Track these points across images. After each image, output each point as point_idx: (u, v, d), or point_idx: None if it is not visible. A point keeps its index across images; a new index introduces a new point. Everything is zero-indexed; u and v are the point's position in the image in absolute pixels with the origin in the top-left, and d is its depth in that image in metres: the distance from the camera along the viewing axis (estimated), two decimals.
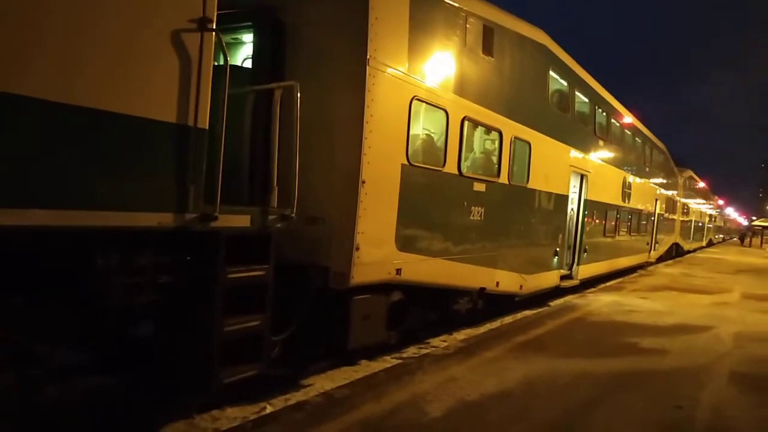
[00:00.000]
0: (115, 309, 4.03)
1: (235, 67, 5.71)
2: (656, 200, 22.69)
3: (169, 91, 3.86)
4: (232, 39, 6.77)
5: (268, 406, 5.15)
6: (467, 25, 7.86)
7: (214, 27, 4.06)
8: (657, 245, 23.70)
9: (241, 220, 4.63)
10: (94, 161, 3.48)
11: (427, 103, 7.15)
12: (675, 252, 29.84)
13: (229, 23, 6.05)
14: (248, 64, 6.70)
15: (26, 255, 3.51)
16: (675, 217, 28.76)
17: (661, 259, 25.34)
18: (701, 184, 38.75)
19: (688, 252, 34.67)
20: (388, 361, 6.84)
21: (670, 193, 26.26)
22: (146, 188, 3.78)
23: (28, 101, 3.11)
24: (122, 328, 4.62)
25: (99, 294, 3.84)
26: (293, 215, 5.02)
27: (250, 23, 6.29)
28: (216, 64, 4.22)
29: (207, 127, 4.11)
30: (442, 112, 7.47)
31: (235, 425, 4.58)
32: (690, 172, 33.76)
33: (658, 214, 23.21)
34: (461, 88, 7.78)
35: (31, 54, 3.13)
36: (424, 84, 6.98)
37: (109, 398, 4.92)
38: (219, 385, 4.47)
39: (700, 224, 41.34)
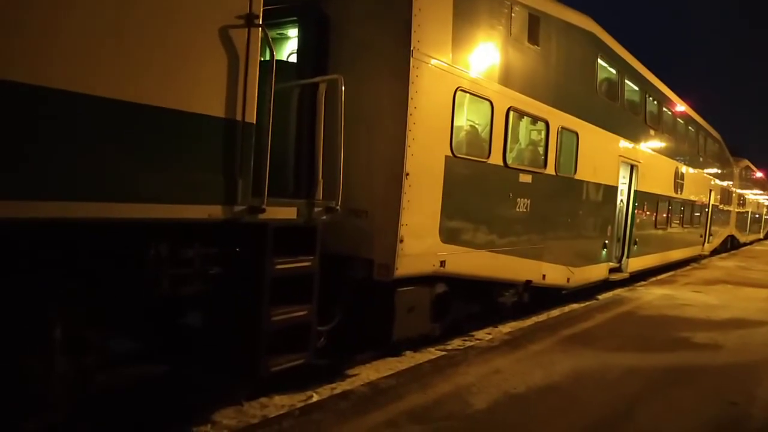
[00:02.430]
0: (166, 299, 4.15)
1: (280, 62, 5.80)
2: (710, 191, 21.91)
3: (218, 87, 3.95)
4: (278, 34, 6.86)
5: (314, 395, 5.24)
6: (512, 14, 7.75)
7: (261, 23, 4.13)
8: (711, 237, 22.89)
9: (287, 213, 4.71)
10: (147, 156, 3.60)
11: (471, 93, 7.09)
12: (730, 244, 28.76)
13: (275, 18, 6.15)
14: (293, 58, 6.78)
15: (81, 246, 3.66)
16: (730, 208, 27.70)
17: (715, 252, 24.48)
18: (759, 174, 37.15)
19: (745, 244, 33.39)
20: (433, 353, 6.86)
21: (725, 183, 25.30)
22: (197, 181, 3.88)
23: (85, 99, 3.24)
24: (173, 317, 4.78)
25: (150, 284, 3.97)
26: (338, 207, 5.07)
27: (295, 18, 6.37)
28: (262, 59, 4.30)
29: (254, 122, 4.19)
30: (487, 103, 7.40)
31: (283, 413, 4.68)
32: (746, 162, 32.43)
33: (713, 205, 22.41)
34: (506, 78, 7.68)
35: (87, 54, 3.25)
36: (468, 75, 6.92)
37: (160, 386, 5.11)
38: (266, 373, 4.56)
39: (757, 216, 39.70)
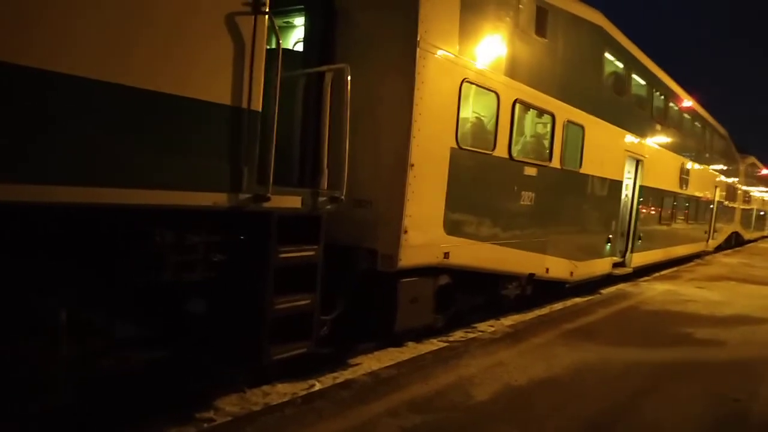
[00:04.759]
0: (171, 285, 4.16)
1: (287, 51, 5.77)
2: (716, 187, 21.81)
3: (224, 74, 3.94)
4: (284, 22, 6.84)
5: (316, 384, 5.27)
6: (520, 6, 7.70)
7: (268, 10, 4.12)
8: (715, 234, 22.82)
9: (292, 201, 4.71)
10: (152, 142, 3.60)
11: (477, 85, 7.06)
12: (735, 241, 28.66)
13: (282, 6, 6.13)
14: (300, 47, 6.76)
15: (86, 231, 3.68)
16: (735, 205, 27.59)
17: (719, 249, 24.40)
18: (765, 171, 36.95)
19: (749, 241, 33.24)
20: (435, 344, 6.87)
21: (730, 180, 25.19)
22: (201, 169, 3.88)
23: (94, 84, 3.24)
24: (178, 304, 4.79)
25: (155, 270, 3.98)
26: (343, 197, 5.07)
27: (301, 6, 6.33)
28: (268, 47, 4.28)
29: (260, 110, 4.18)
30: (493, 95, 7.37)
31: (285, 400, 4.70)
32: (753, 159, 32.24)
33: (718, 201, 22.32)
34: (513, 71, 7.64)
35: (92, 39, 3.25)
36: (474, 66, 6.88)
37: (163, 371, 5.13)
38: (269, 360, 4.59)
39: (762, 213, 39.52)
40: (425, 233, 6.33)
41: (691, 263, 18.62)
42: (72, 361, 3.80)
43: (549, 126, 8.84)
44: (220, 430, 4.15)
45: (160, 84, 3.57)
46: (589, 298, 10.74)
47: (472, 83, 6.90)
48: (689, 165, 17.30)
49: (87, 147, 3.27)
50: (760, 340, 7.95)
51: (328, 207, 5.03)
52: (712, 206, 21.44)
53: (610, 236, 11.67)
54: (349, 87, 5.00)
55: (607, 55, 10.81)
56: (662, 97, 14.67)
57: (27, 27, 2.98)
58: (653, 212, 14.58)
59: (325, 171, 5.09)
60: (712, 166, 21.04)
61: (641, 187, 13.17)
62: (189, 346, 5.04)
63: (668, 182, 15.55)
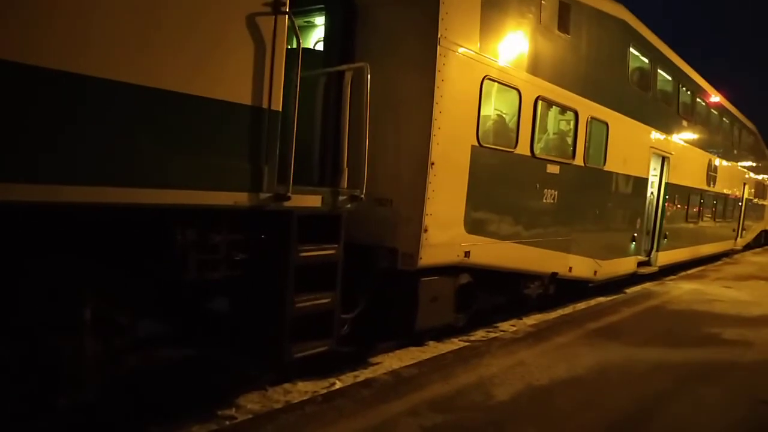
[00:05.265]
0: (193, 283, 4.21)
1: (307, 50, 5.79)
2: (744, 184, 21.37)
3: (245, 74, 3.97)
4: (305, 22, 6.86)
5: (337, 382, 5.29)
6: (542, 2, 7.61)
7: (288, 10, 4.13)
8: (744, 232, 22.36)
9: (312, 200, 4.73)
10: (174, 143, 3.64)
11: (498, 82, 7.01)
12: (764, 239, 28.05)
13: (302, 6, 6.15)
14: (320, 47, 6.78)
15: (110, 230, 3.73)
16: (765, 202, 26.99)
17: (748, 247, 23.91)
18: None
19: None
20: (456, 343, 6.85)
21: (760, 176, 24.64)
22: (223, 168, 3.92)
23: (117, 86, 3.28)
24: (200, 302, 4.85)
25: (178, 269, 4.02)
26: (363, 196, 5.07)
27: (322, 5, 6.34)
28: (289, 47, 4.30)
29: (280, 109, 4.20)
30: (515, 92, 7.30)
31: (306, 398, 4.73)
32: None
33: (746, 199, 21.86)
34: (535, 67, 7.56)
35: (116, 40, 3.30)
36: (495, 63, 6.83)
37: (186, 369, 5.20)
38: (290, 358, 4.61)
39: None
40: (446, 232, 6.30)
41: (719, 262, 18.28)
42: (97, 359, 3.86)
43: (572, 123, 8.74)
44: (242, 427, 4.18)
45: (182, 85, 3.61)
46: (614, 297, 10.61)
47: (493, 80, 6.85)
48: (717, 162, 16.96)
49: (114, 149, 3.32)
50: None
51: (348, 206, 5.04)
52: (740, 203, 21.00)
53: (635, 234, 11.50)
54: (369, 86, 4.99)
55: (632, 50, 10.63)
56: (688, 92, 14.40)
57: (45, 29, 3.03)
58: (679, 210, 14.32)
59: (345, 170, 5.10)
60: (740, 163, 20.60)
61: (667, 184, 12.94)
62: (212, 344, 5.10)
63: (695, 179, 15.27)
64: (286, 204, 4.33)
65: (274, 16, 4.08)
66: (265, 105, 4.09)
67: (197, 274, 4.11)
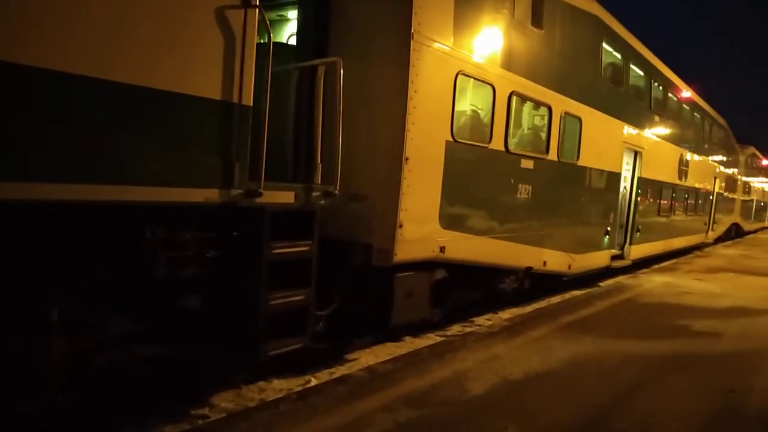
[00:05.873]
0: (164, 281, 4.15)
1: (279, 45, 5.74)
2: (715, 178, 21.78)
3: (214, 69, 3.91)
4: (278, 16, 6.80)
5: (312, 379, 5.26)
6: None
7: (257, 4, 4.08)
8: (715, 225, 22.80)
9: (285, 197, 4.69)
10: (141, 138, 3.56)
11: (473, 77, 7.02)
12: (735, 233, 28.65)
13: (275, 0, 6.08)
14: (293, 41, 6.72)
15: (78, 228, 3.65)
16: (735, 196, 27.56)
17: (719, 240, 24.38)
18: (765, 162, 36.89)
19: (749, 233, 33.24)
20: (432, 338, 6.86)
21: (730, 171, 25.15)
22: (192, 165, 3.85)
23: (77, 79, 3.20)
24: (171, 300, 4.78)
25: (148, 266, 3.96)
26: (336, 192, 5.04)
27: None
28: (260, 41, 4.25)
29: (251, 104, 4.15)
30: (489, 87, 7.32)
31: (281, 396, 4.69)
32: (753, 149, 32.18)
33: (717, 192, 22.29)
34: (509, 62, 7.60)
35: (78, 33, 3.21)
36: (470, 58, 6.84)
37: (159, 368, 5.12)
38: (264, 356, 4.57)
39: (763, 204, 39.51)
40: (421, 227, 6.31)
41: (691, 255, 18.61)
42: (64, 359, 3.78)
43: (546, 118, 8.80)
44: (215, 426, 4.14)
45: (150, 80, 3.54)
46: (588, 290, 10.73)
47: (467, 76, 6.86)
48: (688, 156, 17.25)
49: (79, 145, 3.24)
50: (757, 331, 7.94)
51: (322, 202, 5.01)
52: (711, 197, 21.40)
53: (609, 228, 11.65)
54: (342, 81, 4.96)
55: (605, 46, 10.74)
56: (660, 87, 14.61)
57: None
58: (652, 204, 14.54)
59: (319, 166, 5.07)
60: (711, 157, 20.99)
61: (640, 178, 13.13)
62: (186, 343, 5.03)
63: (667, 174, 15.51)
64: (258, 200, 4.28)
65: (244, 10, 4.03)
66: (235, 100, 4.04)
67: (168, 272, 4.05)
